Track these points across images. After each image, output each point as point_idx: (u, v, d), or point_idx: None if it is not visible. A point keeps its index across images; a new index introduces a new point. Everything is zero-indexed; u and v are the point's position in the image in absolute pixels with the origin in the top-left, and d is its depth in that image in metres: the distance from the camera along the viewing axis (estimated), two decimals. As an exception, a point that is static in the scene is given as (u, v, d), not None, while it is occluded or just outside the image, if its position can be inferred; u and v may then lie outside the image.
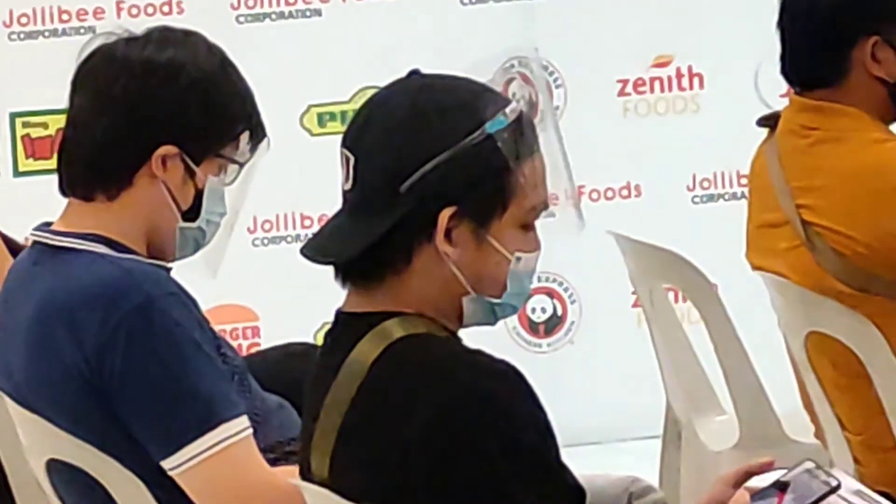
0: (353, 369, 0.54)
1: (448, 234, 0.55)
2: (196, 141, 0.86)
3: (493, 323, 0.63)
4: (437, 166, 0.54)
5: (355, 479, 0.54)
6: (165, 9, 2.57)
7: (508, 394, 0.52)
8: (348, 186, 0.58)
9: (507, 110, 0.57)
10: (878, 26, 1.10)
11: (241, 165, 0.91)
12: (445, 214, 0.54)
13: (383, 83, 0.64)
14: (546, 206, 0.62)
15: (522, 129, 0.58)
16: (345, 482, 0.55)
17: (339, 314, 0.62)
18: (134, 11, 2.53)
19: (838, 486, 0.56)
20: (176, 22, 1.73)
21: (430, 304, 0.58)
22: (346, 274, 0.59)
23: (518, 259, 0.59)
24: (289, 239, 2.63)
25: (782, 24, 1.16)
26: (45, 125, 2.45)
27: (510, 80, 0.65)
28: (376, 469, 0.53)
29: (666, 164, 2.79)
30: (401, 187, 0.54)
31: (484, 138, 0.55)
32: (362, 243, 0.55)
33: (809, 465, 0.57)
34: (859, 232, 1.06)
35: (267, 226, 2.60)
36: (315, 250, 0.62)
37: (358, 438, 0.55)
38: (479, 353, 0.57)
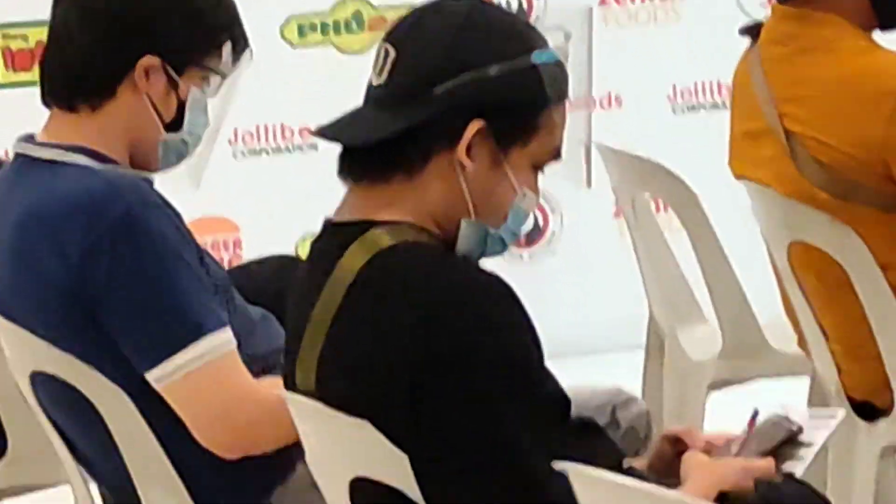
0: (339, 279, 0.54)
1: (468, 148, 0.55)
2: (178, 51, 0.86)
3: (479, 256, 0.61)
4: (478, 78, 0.54)
5: (340, 387, 0.54)
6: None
7: (494, 304, 0.52)
8: (380, 81, 0.57)
9: (555, 47, 0.57)
10: None
11: (224, 77, 0.91)
12: (475, 126, 0.54)
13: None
14: (559, 155, 0.61)
15: (563, 70, 0.58)
16: (330, 392, 0.54)
17: (328, 224, 0.61)
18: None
19: (799, 431, 0.59)
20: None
21: (428, 218, 0.57)
22: (352, 166, 0.58)
23: (524, 195, 0.59)
24: (269, 151, 2.58)
25: None
26: (25, 37, 2.39)
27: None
28: (361, 378, 0.53)
29: (647, 75, 2.75)
30: (435, 89, 0.54)
31: (529, 66, 0.55)
32: (383, 133, 0.55)
33: (777, 416, 0.60)
34: (841, 139, 1.05)
35: (248, 138, 2.54)
36: (330, 130, 0.60)
37: (343, 348, 0.54)
38: (466, 262, 0.56)
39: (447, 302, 0.51)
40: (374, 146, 0.55)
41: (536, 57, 0.55)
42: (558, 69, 0.58)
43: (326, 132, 0.60)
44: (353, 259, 0.53)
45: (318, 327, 0.55)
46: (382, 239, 0.53)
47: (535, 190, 0.61)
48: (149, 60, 0.84)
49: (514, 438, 0.49)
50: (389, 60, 0.56)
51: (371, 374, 0.52)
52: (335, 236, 0.58)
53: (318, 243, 0.62)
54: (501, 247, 0.62)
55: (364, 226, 0.55)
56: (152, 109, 0.86)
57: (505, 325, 0.52)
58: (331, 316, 0.54)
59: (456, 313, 0.51)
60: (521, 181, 0.58)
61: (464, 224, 0.57)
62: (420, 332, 0.50)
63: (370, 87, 0.59)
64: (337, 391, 0.54)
